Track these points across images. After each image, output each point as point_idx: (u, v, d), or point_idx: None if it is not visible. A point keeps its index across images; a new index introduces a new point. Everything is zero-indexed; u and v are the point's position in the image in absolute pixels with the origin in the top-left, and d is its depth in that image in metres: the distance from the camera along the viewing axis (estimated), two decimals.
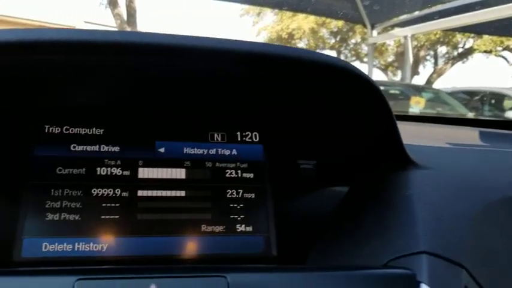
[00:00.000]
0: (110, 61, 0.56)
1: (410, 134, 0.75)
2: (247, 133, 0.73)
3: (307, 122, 0.70)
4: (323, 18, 12.05)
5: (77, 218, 0.63)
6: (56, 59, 0.52)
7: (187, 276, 0.44)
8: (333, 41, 13.96)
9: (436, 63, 13.53)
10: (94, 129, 0.69)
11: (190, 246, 0.65)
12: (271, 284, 0.46)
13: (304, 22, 13.06)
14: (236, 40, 0.49)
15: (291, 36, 13.50)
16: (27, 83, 0.60)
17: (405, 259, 0.52)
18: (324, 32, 13.99)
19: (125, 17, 9.82)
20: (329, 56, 0.53)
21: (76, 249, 0.62)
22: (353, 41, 13.99)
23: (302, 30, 13.41)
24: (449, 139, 1.15)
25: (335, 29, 13.61)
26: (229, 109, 0.72)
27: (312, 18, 12.56)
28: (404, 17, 7.25)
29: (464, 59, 13.09)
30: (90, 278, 0.42)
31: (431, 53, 13.64)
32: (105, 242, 0.63)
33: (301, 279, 0.47)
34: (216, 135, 0.73)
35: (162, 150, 0.70)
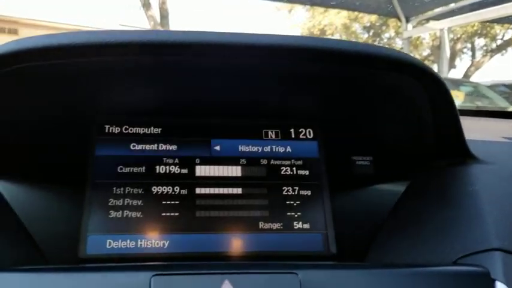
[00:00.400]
0: (169, 61, 0.57)
1: None
2: (301, 130, 0.73)
3: (364, 118, 0.69)
4: (355, 13, 11.90)
5: (138, 215, 0.65)
6: (121, 59, 0.54)
7: (259, 273, 0.44)
8: (366, 36, 13.75)
9: (473, 56, 13.13)
10: (152, 128, 0.70)
11: (248, 244, 0.65)
12: (341, 282, 0.45)
13: (336, 18, 12.92)
14: (302, 36, 0.49)
15: (322, 32, 13.39)
16: (89, 84, 0.62)
17: (476, 256, 0.51)
18: (356, 27, 13.80)
19: (158, 18, 9.98)
20: (396, 50, 0.52)
21: (139, 246, 0.63)
22: (387, 35, 13.75)
23: (334, 26, 13.28)
24: (501, 133, 1.11)
25: (368, 24, 13.41)
26: (284, 106, 0.72)
27: (344, 13, 12.41)
28: (439, 9, 7.08)
29: (504, 51, 12.65)
30: (166, 274, 0.43)
31: (469, 45, 13.25)
32: (166, 239, 0.64)
33: (373, 277, 0.46)
34: (270, 132, 0.73)
35: (217, 148, 0.71)
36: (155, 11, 10.02)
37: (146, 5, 9.88)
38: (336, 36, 13.65)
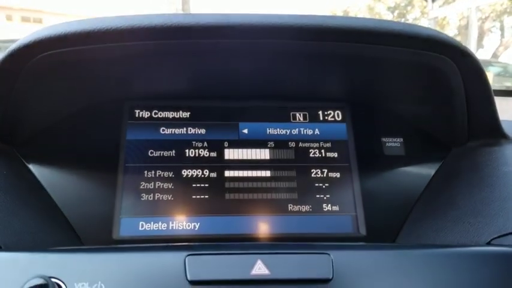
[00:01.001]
0: (198, 44, 0.57)
1: None
2: (329, 112, 0.73)
3: (394, 98, 0.69)
4: None
5: (169, 198, 0.66)
6: (151, 44, 0.54)
7: (291, 253, 0.45)
8: (390, 16, 13.46)
9: (502, 36, 12.72)
10: (181, 112, 0.71)
11: (278, 226, 0.66)
12: (373, 262, 0.46)
13: None
14: (332, 16, 0.48)
15: (345, 13, 13.17)
16: (118, 70, 0.63)
17: (510, 237, 0.50)
18: (380, 7, 13.52)
19: (179, 4, 9.96)
20: (429, 28, 0.51)
21: (170, 228, 0.64)
22: (412, 16, 13.43)
23: (357, 7, 13.04)
24: None
25: (392, 4, 13.12)
26: (312, 88, 0.72)
27: None
28: None
29: None
30: (200, 254, 0.43)
31: (497, 24, 12.83)
32: (197, 221, 0.65)
33: (405, 257, 0.46)
34: (298, 114, 0.73)
35: (245, 131, 0.71)
36: None
37: None
38: None
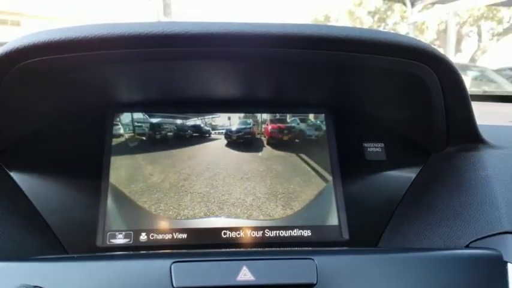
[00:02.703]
0: (186, 51, 0.56)
1: None
2: (310, 118, 0.74)
3: (375, 104, 0.70)
4: None
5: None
6: (133, 51, 0.54)
7: (276, 259, 0.45)
8: (370, 21, 13.62)
9: (480, 40, 12.99)
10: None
11: (262, 230, 0.66)
12: (356, 266, 0.46)
13: (340, 3, 12.83)
14: (318, 25, 0.49)
15: (327, 18, 13.28)
16: (101, 77, 0.63)
17: (489, 240, 0.52)
18: (361, 12, 13.67)
19: (161, 7, 9.91)
20: (406, 36, 0.52)
21: (156, 235, 0.64)
22: (392, 20, 13.61)
23: (338, 12, 13.17)
24: (509, 117, 1.11)
25: (373, 9, 13.28)
26: (292, 95, 0.73)
27: None
28: None
29: (511, 34, 12.49)
30: (185, 261, 0.44)
31: (475, 29, 13.09)
32: (184, 232, 0.65)
33: (387, 261, 0.47)
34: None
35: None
36: (158, 0, 9.95)
37: None
38: (341, 22, 13.54)
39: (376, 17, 13.52)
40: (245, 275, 0.43)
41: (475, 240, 0.53)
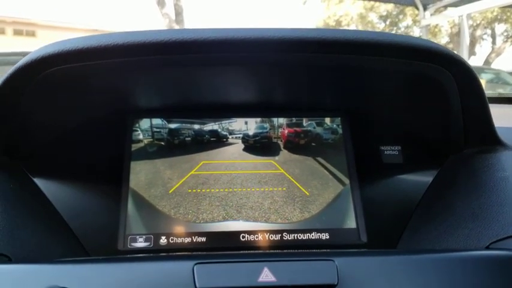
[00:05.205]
0: (193, 60, 0.57)
1: None
2: (327, 122, 0.74)
3: (392, 107, 0.70)
4: (371, 3, 11.76)
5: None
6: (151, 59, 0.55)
7: (297, 260, 0.46)
8: (382, 25, 13.56)
9: (494, 42, 12.84)
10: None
11: (281, 233, 0.67)
12: (376, 267, 0.47)
13: (351, 8, 12.80)
14: (334, 29, 0.50)
15: (338, 23, 13.26)
16: (123, 84, 0.64)
17: (508, 241, 0.51)
18: (372, 16, 13.62)
19: (173, 15, 10.01)
20: (424, 39, 0.52)
21: (177, 239, 0.65)
22: (404, 24, 13.53)
23: (350, 16, 13.14)
24: None
25: (384, 13, 13.21)
26: (309, 100, 0.73)
27: (359, 3, 12.28)
28: None
29: None
30: (208, 262, 0.44)
31: (489, 31, 12.95)
32: (204, 235, 0.66)
33: (406, 262, 0.47)
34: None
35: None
36: (170, 9, 10.04)
37: (161, 3, 9.92)
38: (352, 27, 13.50)
39: (388, 20, 13.46)
40: (266, 276, 0.44)
41: (496, 241, 0.53)
